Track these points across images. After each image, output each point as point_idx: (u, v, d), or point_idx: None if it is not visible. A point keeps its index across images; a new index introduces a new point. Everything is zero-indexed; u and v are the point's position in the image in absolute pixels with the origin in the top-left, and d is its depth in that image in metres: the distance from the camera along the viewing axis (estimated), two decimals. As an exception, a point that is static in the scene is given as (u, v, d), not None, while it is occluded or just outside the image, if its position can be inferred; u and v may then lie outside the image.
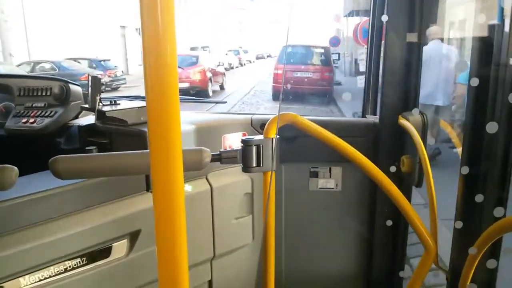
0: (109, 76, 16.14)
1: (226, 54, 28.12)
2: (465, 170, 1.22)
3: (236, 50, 32.38)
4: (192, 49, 24.45)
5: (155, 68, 0.53)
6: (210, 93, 13.38)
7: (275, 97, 11.89)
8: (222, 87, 15.23)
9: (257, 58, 34.52)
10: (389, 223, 1.70)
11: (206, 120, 1.63)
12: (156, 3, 0.51)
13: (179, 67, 12.22)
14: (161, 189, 0.57)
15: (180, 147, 0.57)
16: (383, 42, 1.70)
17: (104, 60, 16.85)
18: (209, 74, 13.53)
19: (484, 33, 1.17)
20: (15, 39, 16.76)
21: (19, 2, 17.39)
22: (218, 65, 15.31)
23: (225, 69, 17.59)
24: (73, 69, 14.00)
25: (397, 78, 1.58)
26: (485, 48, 1.16)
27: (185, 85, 12.39)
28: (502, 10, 1.14)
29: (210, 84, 13.51)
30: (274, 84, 12.00)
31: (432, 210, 1.32)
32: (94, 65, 16.32)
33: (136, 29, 23.99)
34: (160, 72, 0.54)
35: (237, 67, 30.89)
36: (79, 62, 16.21)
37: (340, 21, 19.72)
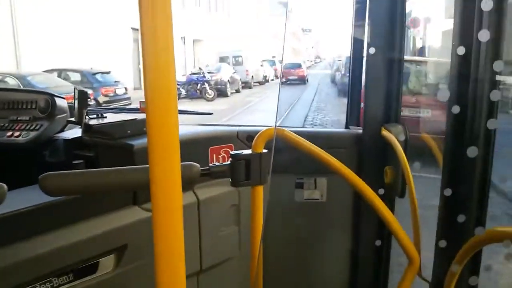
0: (105, 95, 11.92)
1: (261, 65, 24.09)
2: (448, 192, 1.25)
3: (272, 60, 28.08)
4: (221, 59, 20.97)
5: (155, 85, 0.55)
6: (306, 82, 24.41)
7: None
8: (307, 80, 24.96)
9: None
10: (374, 237, 1.73)
11: (192, 133, 1.66)
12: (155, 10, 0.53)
13: (291, 68, 23.76)
14: (160, 204, 0.59)
15: (179, 161, 0.59)
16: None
17: (101, 73, 12.59)
18: (306, 73, 24.65)
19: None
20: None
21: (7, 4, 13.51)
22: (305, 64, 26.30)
23: (259, 82, 24.06)
24: (45, 85, 9.77)
25: (379, 89, 1.62)
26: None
27: (294, 77, 23.50)
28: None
29: (306, 77, 24.59)
30: None
31: (415, 221, 1.36)
32: (87, 80, 12.13)
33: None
34: (160, 88, 0.55)
35: (272, 79, 26.51)
36: (65, 76, 12.09)
37: (419, 26, 15.03)
